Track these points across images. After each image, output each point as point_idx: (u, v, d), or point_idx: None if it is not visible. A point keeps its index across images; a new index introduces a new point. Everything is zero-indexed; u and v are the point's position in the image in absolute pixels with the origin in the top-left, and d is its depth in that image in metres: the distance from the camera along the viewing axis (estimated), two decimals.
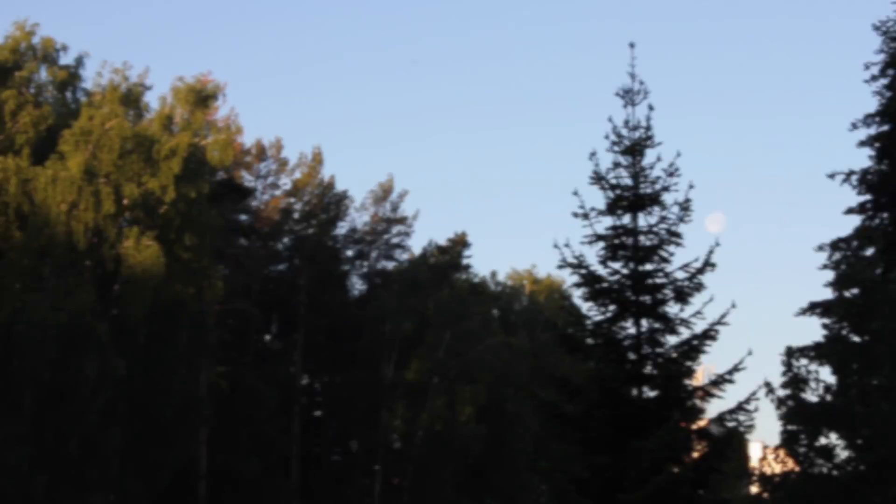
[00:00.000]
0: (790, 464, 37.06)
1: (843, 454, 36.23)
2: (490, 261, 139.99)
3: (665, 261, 28.04)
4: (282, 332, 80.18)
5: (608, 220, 28.23)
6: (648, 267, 28.02)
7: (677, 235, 28.02)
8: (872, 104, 37.75)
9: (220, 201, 65.82)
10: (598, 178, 28.16)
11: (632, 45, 28.59)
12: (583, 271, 27.97)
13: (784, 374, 37.10)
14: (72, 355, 50.00)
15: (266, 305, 74.70)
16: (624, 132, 28.30)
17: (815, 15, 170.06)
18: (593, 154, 28.10)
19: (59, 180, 52.66)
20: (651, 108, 28.26)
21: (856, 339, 36.53)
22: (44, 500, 50.02)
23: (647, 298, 27.94)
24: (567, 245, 27.90)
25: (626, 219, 28.22)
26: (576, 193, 27.97)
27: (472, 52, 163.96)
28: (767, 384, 36.48)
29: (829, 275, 37.50)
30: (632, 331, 27.95)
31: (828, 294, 37.43)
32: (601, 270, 28.07)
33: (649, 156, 28.23)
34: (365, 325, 76.89)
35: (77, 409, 50.44)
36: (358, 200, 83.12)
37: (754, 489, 38.80)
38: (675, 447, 26.36)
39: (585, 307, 28.54)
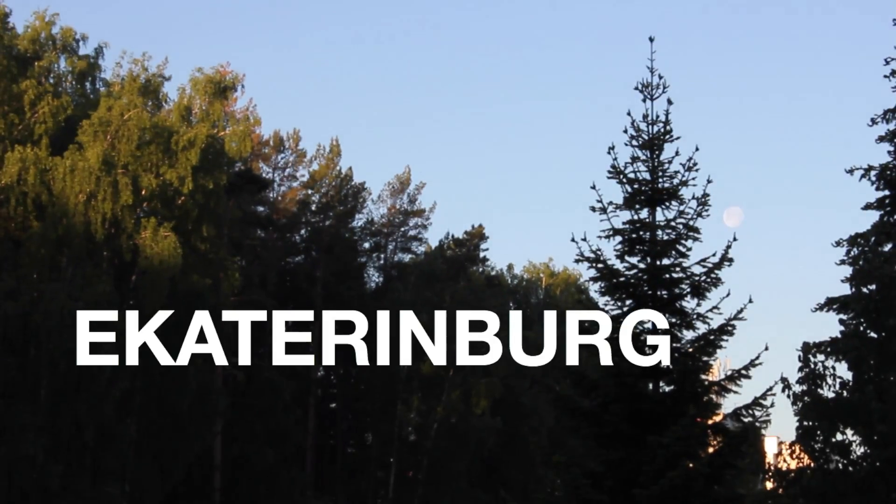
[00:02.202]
0: (806, 459, 37.00)
1: (858, 450, 36.16)
2: (507, 254, 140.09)
3: (682, 255, 27.97)
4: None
5: (626, 215, 28.20)
6: (666, 262, 27.96)
7: (695, 230, 27.93)
8: (892, 100, 37.62)
9: (238, 192, 65.90)
10: (616, 173, 28.08)
11: (651, 39, 28.49)
12: (600, 265, 27.91)
13: (800, 369, 37.03)
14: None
15: (283, 297, 74.79)
16: (643, 126, 28.21)
17: (836, 10, 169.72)
18: (612, 148, 28.02)
19: (77, 171, 52.74)
20: (670, 102, 28.17)
21: (873, 335, 36.42)
22: (59, 490, 50.16)
23: (663, 293, 27.89)
24: (584, 239, 27.85)
25: (644, 213, 28.17)
26: (594, 187, 27.93)
27: (491, 45, 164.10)
28: (784, 380, 36.43)
29: (847, 270, 37.38)
30: (648, 325, 27.94)
31: (845, 290, 37.33)
32: (618, 265, 28.03)
33: (668, 150, 28.16)
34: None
35: (93, 400, 50.55)
36: (375, 192, 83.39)
37: (769, 485, 38.72)
38: (690, 442, 26.33)
39: (602, 301, 28.52)
